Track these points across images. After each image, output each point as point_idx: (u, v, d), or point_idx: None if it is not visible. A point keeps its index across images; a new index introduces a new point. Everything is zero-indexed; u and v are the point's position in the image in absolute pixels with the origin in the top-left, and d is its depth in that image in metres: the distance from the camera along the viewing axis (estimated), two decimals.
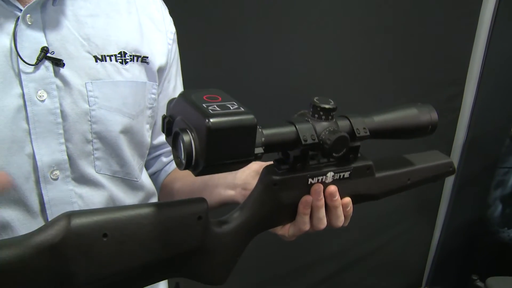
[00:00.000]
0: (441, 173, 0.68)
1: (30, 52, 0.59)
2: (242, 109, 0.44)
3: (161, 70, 0.74)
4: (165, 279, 0.50)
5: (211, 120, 0.41)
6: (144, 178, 0.76)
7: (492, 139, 2.23)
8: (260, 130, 0.49)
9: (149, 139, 0.75)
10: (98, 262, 0.43)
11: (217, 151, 0.42)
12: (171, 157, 0.84)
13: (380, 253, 2.29)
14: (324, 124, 0.53)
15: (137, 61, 0.69)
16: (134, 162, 0.72)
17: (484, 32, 2.01)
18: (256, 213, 0.54)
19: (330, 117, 0.53)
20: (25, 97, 0.59)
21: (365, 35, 1.86)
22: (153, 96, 0.73)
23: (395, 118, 0.59)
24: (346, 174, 0.58)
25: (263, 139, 0.48)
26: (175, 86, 0.80)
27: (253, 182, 0.58)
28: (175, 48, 0.78)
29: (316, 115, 0.53)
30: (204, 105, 0.43)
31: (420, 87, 2.03)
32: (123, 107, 0.67)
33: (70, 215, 0.43)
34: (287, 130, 0.51)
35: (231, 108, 0.44)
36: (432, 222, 2.34)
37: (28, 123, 0.59)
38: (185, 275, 0.50)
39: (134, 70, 0.69)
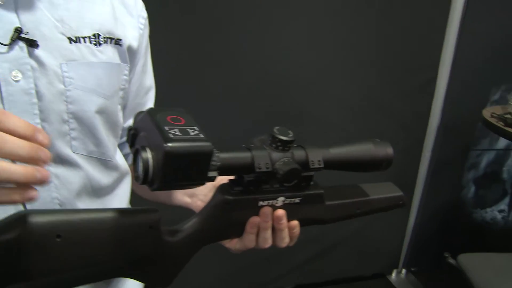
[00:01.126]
0: (391, 205, 0.72)
1: (3, 32, 0.59)
2: (201, 136, 0.47)
3: (133, 53, 0.75)
4: (113, 277, 0.53)
5: (169, 144, 0.44)
6: (119, 158, 0.77)
7: (465, 122, 2.28)
8: (216, 154, 0.51)
9: (122, 120, 0.77)
10: (51, 260, 0.45)
11: (173, 173, 0.45)
12: None
13: (357, 236, 2.33)
14: (280, 154, 0.55)
15: (110, 43, 0.70)
16: (109, 142, 0.73)
17: (457, 18, 2.05)
18: (206, 227, 0.57)
19: (286, 148, 0.56)
20: None
21: (342, 24, 1.90)
22: (125, 77, 0.74)
23: (350, 152, 0.62)
24: (297, 200, 0.61)
25: (218, 163, 0.51)
26: (145, 70, 0.81)
27: (209, 195, 0.61)
28: (146, 33, 0.79)
29: (274, 145, 0.55)
30: (166, 127, 0.46)
31: (395, 73, 2.06)
32: (98, 88, 0.68)
33: (26, 214, 0.45)
34: (243, 155, 0.54)
35: (191, 133, 0.46)
36: (407, 205, 2.39)
37: (3, 103, 0.60)
38: (133, 277, 0.53)
39: (108, 52, 0.69)
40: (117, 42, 0.71)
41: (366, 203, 0.68)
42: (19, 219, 0.44)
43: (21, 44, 0.60)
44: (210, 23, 1.70)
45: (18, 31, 0.60)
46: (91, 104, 0.67)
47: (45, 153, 0.45)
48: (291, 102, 1.90)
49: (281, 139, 0.55)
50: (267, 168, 0.54)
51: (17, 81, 0.60)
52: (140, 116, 0.50)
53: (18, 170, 0.44)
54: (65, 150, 0.66)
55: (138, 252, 0.50)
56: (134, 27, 0.75)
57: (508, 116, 1.72)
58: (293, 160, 0.56)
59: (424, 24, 2.04)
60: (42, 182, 0.45)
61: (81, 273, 0.48)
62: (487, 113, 1.88)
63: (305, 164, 0.57)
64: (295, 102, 1.90)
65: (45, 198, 0.64)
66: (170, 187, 0.47)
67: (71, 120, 0.66)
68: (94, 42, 0.67)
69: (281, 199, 0.59)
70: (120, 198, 0.78)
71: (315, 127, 1.93)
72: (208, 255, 2.18)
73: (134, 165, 0.48)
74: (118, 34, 0.71)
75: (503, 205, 2.52)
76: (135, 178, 0.47)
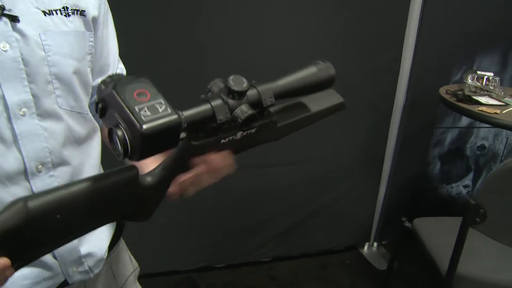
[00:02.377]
0: (333, 112, 0.78)
1: None
2: (169, 110, 0.52)
3: (95, 21, 0.87)
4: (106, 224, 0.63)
5: (144, 126, 0.49)
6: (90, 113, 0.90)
7: (429, 101, 2.39)
8: (182, 115, 0.57)
9: (91, 80, 0.89)
10: (55, 230, 0.55)
11: (150, 146, 0.53)
12: None
13: (329, 210, 2.44)
14: (237, 102, 0.61)
15: (77, 14, 0.81)
16: (84, 98, 0.85)
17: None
18: (174, 170, 0.66)
19: (242, 96, 0.61)
20: None
21: (309, 7, 2.00)
22: (91, 43, 0.86)
23: (297, 80, 0.68)
24: (253, 131, 0.68)
25: (185, 124, 0.58)
26: (106, 35, 0.93)
27: None
28: (104, 2, 0.90)
29: (231, 95, 0.60)
30: (136, 108, 0.50)
31: (361, 53, 2.17)
32: (72, 53, 0.79)
33: (26, 199, 0.53)
34: (204, 110, 0.60)
35: (160, 109, 0.52)
36: (377, 180, 2.50)
37: None
38: (121, 220, 0.64)
39: (76, 22, 0.81)
40: (81, 13, 0.83)
41: (312, 117, 0.75)
42: (20, 206, 0.52)
43: (5, 19, 0.72)
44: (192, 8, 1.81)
45: (1, 8, 0.72)
46: (68, 67, 0.79)
47: None
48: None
49: (237, 91, 0.60)
50: (227, 118, 0.61)
51: (5, 51, 0.72)
52: (107, 91, 0.53)
53: None
54: (53, 106, 0.78)
55: (124, 204, 0.61)
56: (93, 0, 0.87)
57: (460, 92, 1.83)
58: (248, 106, 0.62)
59: (388, 5, 2.15)
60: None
61: (81, 231, 0.59)
62: (443, 90, 2.00)
63: (259, 103, 0.64)
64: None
65: (37, 148, 0.76)
66: (149, 156, 0.54)
67: (54, 81, 0.77)
68: (64, 14, 0.79)
69: (239, 134, 0.66)
70: (95, 146, 0.90)
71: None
72: (185, 228, 2.29)
73: (110, 142, 0.55)
74: (82, 6, 0.83)
75: (468, 181, 2.65)
76: (115, 155, 0.55)
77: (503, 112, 1.73)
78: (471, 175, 2.64)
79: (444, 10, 2.20)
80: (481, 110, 1.70)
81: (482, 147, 2.59)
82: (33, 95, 0.75)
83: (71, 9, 0.80)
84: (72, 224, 0.56)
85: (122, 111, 0.51)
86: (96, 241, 0.89)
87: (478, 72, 1.96)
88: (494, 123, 1.71)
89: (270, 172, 2.26)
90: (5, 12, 0.71)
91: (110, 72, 0.95)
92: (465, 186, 2.65)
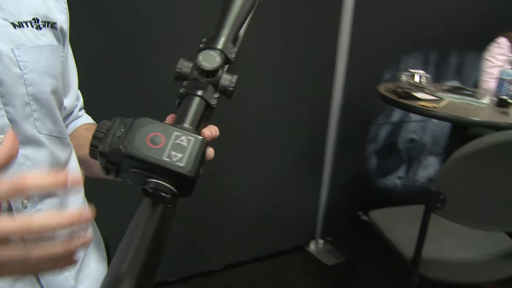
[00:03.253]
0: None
1: None
2: (191, 137, 0.49)
3: (64, 35, 0.79)
4: None
5: (189, 173, 0.47)
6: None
7: (364, 100, 2.52)
8: (194, 130, 0.54)
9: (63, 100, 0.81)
10: None
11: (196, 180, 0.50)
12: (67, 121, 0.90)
13: (276, 213, 2.49)
14: (218, 78, 0.58)
15: (48, 26, 0.73)
16: (61, 120, 0.77)
17: (349, 8, 2.27)
18: None
19: (221, 70, 0.57)
20: None
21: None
22: (62, 59, 0.78)
23: (237, 12, 0.63)
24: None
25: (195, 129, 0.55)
26: (68, 51, 0.84)
27: None
28: (68, 15, 0.82)
29: (210, 75, 0.57)
30: (165, 159, 0.47)
31: (299, 58, 2.24)
32: (48, 69, 0.71)
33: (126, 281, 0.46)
34: (199, 106, 0.56)
35: (184, 143, 0.48)
36: (319, 179, 2.59)
37: None
38: None
39: (48, 35, 0.72)
40: (52, 25, 0.74)
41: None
42: None
43: None
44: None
45: None
46: (46, 85, 0.70)
47: (84, 238, 0.47)
48: None
49: (213, 70, 0.57)
50: (217, 97, 0.58)
51: None
52: (115, 156, 0.48)
53: (57, 248, 0.46)
54: (32, 131, 0.69)
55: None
56: (61, 10, 0.78)
57: (400, 89, 1.96)
58: (225, 71, 0.59)
59: (321, 11, 2.24)
60: (86, 244, 0.48)
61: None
62: (382, 88, 2.12)
63: (227, 60, 0.59)
64: None
65: None
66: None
67: (31, 102, 0.68)
68: (35, 26, 0.70)
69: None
70: (73, 170, 0.82)
71: (226, 111, 2.05)
72: None
73: (146, 195, 0.49)
74: (52, 18, 0.75)
75: (401, 172, 2.82)
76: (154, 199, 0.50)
77: (441, 105, 1.87)
78: (403, 167, 2.81)
79: (373, 15, 2.34)
80: (422, 105, 1.83)
81: (412, 140, 2.77)
82: (10, 120, 0.65)
83: (42, 21, 0.71)
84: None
85: (152, 169, 0.47)
86: (93, 281, 0.83)
87: (411, 70, 2.11)
88: (435, 116, 1.85)
89: (214, 182, 2.26)
90: None
91: (71, 94, 0.86)
92: (399, 178, 2.82)
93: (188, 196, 0.50)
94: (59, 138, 0.76)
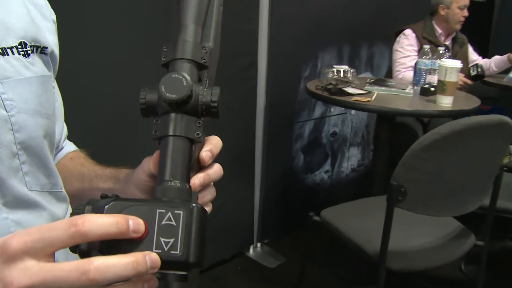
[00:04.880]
0: None
1: None
2: (179, 211, 0.39)
3: (54, 61, 0.65)
4: None
5: (190, 259, 0.38)
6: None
7: (287, 99, 2.54)
8: (190, 189, 0.46)
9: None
10: None
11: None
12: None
13: (212, 222, 2.39)
14: (195, 99, 0.46)
15: (36, 52, 0.59)
16: (55, 169, 0.63)
17: (265, 7, 2.26)
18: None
19: (195, 87, 0.45)
20: None
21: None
22: (54, 90, 0.64)
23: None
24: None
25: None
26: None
27: (146, 181, 0.55)
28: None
29: (183, 104, 0.45)
30: (157, 251, 0.38)
31: (219, 61, 2.18)
32: (40, 107, 0.58)
33: None
34: (183, 150, 0.46)
35: (174, 223, 0.39)
36: (251, 182, 2.56)
37: None
38: None
39: (37, 62, 0.59)
40: (42, 50, 0.61)
41: None
42: None
43: None
44: None
45: None
46: (38, 129, 0.57)
47: (152, 259, 0.36)
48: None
49: (185, 99, 0.44)
50: (201, 125, 0.47)
51: None
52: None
53: (126, 261, 0.35)
54: (22, 189, 0.56)
55: None
56: (51, 31, 0.65)
57: (331, 86, 1.98)
58: (202, 86, 0.47)
59: (239, 16, 2.20)
60: (154, 269, 0.37)
61: None
62: (311, 86, 2.13)
63: (201, 66, 0.48)
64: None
65: None
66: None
67: (20, 152, 0.55)
68: (22, 53, 0.56)
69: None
70: None
71: (143, 120, 1.95)
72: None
73: None
74: (42, 41, 0.61)
75: (327, 166, 2.87)
76: None
77: (372, 99, 1.93)
78: (329, 161, 2.87)
79: (288, 12, 2.35)
80: (357, 100, 1.87)
81: (334, 133, 2.83)
82: None
83: (30, 46, 0.58)
84: None
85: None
86: None
87: (335, 66, 2.14)
88: (371, 110, 1.90)
89: None
90: None
91: (58, 127, 0.69)
92: (326, 172, 2.88)
93: (201, 267, 0.42)
94: (54, 193, 0.62)
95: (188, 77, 0.44)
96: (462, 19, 2.69)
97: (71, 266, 0.34)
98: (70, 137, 0.83)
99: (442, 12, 2.68)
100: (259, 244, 2.69)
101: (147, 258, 0.36)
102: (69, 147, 0.78)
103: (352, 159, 3.01)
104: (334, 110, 2.76)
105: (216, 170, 0.54)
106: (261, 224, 2.64)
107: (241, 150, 2.47)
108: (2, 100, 0.53)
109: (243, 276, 2.46)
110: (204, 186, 0.52)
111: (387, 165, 2.21)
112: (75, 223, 0.35)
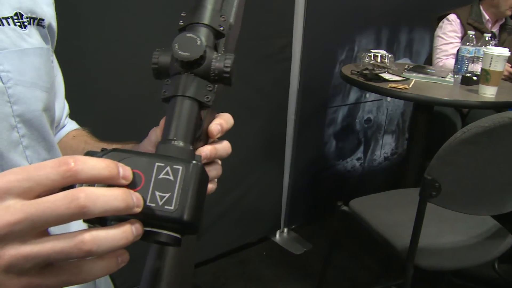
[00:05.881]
0: None
1: None
2: (179, 166, 0.37)
3: (52, 35, 0.64)
4: None
5: (186, 218, 0.36)
6: None
7: (321, 82, 2.47)
8: (192, 150, 0.43)
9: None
10: None
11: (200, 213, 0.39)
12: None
13: (238, 206, 2.40)
14: (207, 64, 0.44)
15: (33, 24, 0.57)
16: (56, 143, 0.62)
17: None
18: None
19: (209, 52, 0.44)
20: None
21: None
22: (52, 64, 0.63)
23: None
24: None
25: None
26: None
27: (152, 150, 0.53)
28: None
29: (195, 66, 0.44)
30: (150, 204, 0.36)
31: (252, 43, 2.13)
32: (39, 80, 0.56)
33: None
34: (191, 112, 0.44)
35: (171, 178, 0.37)
36: (281, 167, 2.52)
37: None
38: None
39: (34, 34, 0.58)
40: (39, 23, 0.59)
41: None
42: None
43: None
44: None
45: None
46: (36, 102, 0.56)
47: (137, 196, 0.35)
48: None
49: (197, 59, 0.43)
50: (212, 88, 0.45)
51: None
52: None
53: (115, 192, 0.33)
54: (22, 163, 0.54)
55: None
56: (48, 3, 0.63)
57: (367, 71, 1.90)
58: (215, 51, 0.46)
59: None
60: (138, 208, 0.35)
61: None
62: (346, 71, 2.06)
63: (218, 34, 0.46)
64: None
65: None
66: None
67: (19, 125, 0.54)
68: (19, 24, 0.55)
69: None
70: None
71: None
72: None
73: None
74: (39, 12, 0.59)
75: (360, 153, 2.80)
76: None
77: (410, 86, 1.84)
78: (361, 148, 2.80)
79: None
80: (393, 87, 1.78)
81: (369, 120, 2.75)
82: None
83: (26, 17, 0.56)
84: None
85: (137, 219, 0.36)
86: None
87: (372, 50, 2.05)
88: (408, 98, 1.81)
89: None
90: None
91: (58, 103, 0.69)
92: (358, 159, 2.80)
93: (195, 234, 0.39)
94: None
95: (203, 38, 0.42)
96: None
97: (58, 195, 0.32)
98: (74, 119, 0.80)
99: None
100: (285, 230, 2.65)
101: (133, 195, 0.34)
102: (71, 125, 0.77)
103: (385, 147, 2.92)
104: (370, 96, 2.67)
105: (225, 146, 0.51)
106: (288, 209, 2.60)
107: (272, 133, 2.43)
108: None
109: (268, 261, 2.44)
110: (209, 160, 0.49)
111: (422, 156, 2.12)
112: (66, 161, 0.32)
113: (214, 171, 0.52)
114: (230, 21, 0.47)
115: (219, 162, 0.53)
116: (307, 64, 2.33)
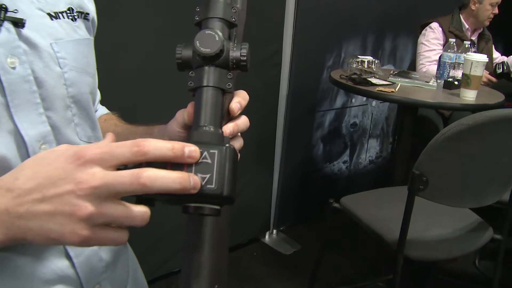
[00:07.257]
0: None
1: None
2: (214, 150, 0.44)
3: (94, 27, 0.71)
4: None
5: (226, 193, 0.43)
6: None
7: (309, 87, 2.55)
8: (222, 134, 0.50)
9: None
10: None
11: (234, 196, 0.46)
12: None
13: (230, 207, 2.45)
14: (226, 54, 0.50)
15: (81, 17, 0.65)
16: (98, 124, 0.69)
17: None
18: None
19: (226, 43, 0.50)
20: None
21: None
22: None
23: None
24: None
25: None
26: None
27: (179, 130, 0.62)
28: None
29: (215, 59, 0.50)
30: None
31: None
32: (87, 67, 0.64)
33: None
34: (216, 99, 0.50)
35: (209, 161, 0.44)
36: (270, 169, 2.58)
37: (5, 95, 0.52)
38: None
39: (82, 27, 0.65)
40: (85, 16, 0.67)
41: None
42: None
43: (7, 24, 0.52)
44: None
45: (4, 8, 0.52)
46: (85, 85, 0.63)
47: (194, 179, 0.43)
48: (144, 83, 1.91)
49: (216, 54, 0.49)
50: (232, 77, 0.51)
51: (14, 68, 0.53)
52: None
53: (173, 176, 0.42)
54: (74, 138, 0.62)
55: None
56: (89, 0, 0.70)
57: (355, 76, 2.00)
58: (232, 42, 0.52)
59: (267, 3, 2.22)
60: (195, 189, 0.43)
61: None
62: (335, 75, 2.15)
63: (232, 24, 0.52)
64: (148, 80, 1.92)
65: None
66: None
67: (72, 105, 0.61)
68: (71, 17, 0.62)
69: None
70: None
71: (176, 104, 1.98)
72: None
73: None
74: (85, 8, 0.67)
75: (346, 157, 2.89)
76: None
77: (396, 90, 1.94)
78: (348, 151, 2.89)
79: (314, 2, 2.36)
80: (381, 90, 1.88)
81: (354, 124, 2.84)
82: (52, 126, 0.57)
83: (77, 12, 0.64)
84: None
85: (184, 198, 0.44)
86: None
87: (359, 56, 2.15)
88: (394, 100, 1.91)
89: None
90: (8, 14, 0.52)
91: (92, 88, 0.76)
92: (344, 162, 2.89)
93: (232, 204, 0.47)
94: None
95: (220, 33, 0.49)
96: (492, 16, 2.66)
97: (127, 172, 0.41)
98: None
99: (473, 7, 2.66)
100: (275, 231, 2.72)
101: (191, 178, 0.42)
102: (103, 110, 0.84)
103: (370, 150, 3.02)
104: (355, 101, 2.77)
105: (244, 121, 0.60)
106: (278, 211, 2.66)
107: (262, 136, 2.49)
108: (57, 58, 0.59)
109: (259, 262, 2.50)
110: (233, 135, 0.58)
111: (408, 158, 2.21)
112: (139, 144, 0.42)
113: (237, 143, 0.62)
114: (238, 6, 0.54)
115: (239, 134, 0.62)
116: (296, 70, 2.41)
